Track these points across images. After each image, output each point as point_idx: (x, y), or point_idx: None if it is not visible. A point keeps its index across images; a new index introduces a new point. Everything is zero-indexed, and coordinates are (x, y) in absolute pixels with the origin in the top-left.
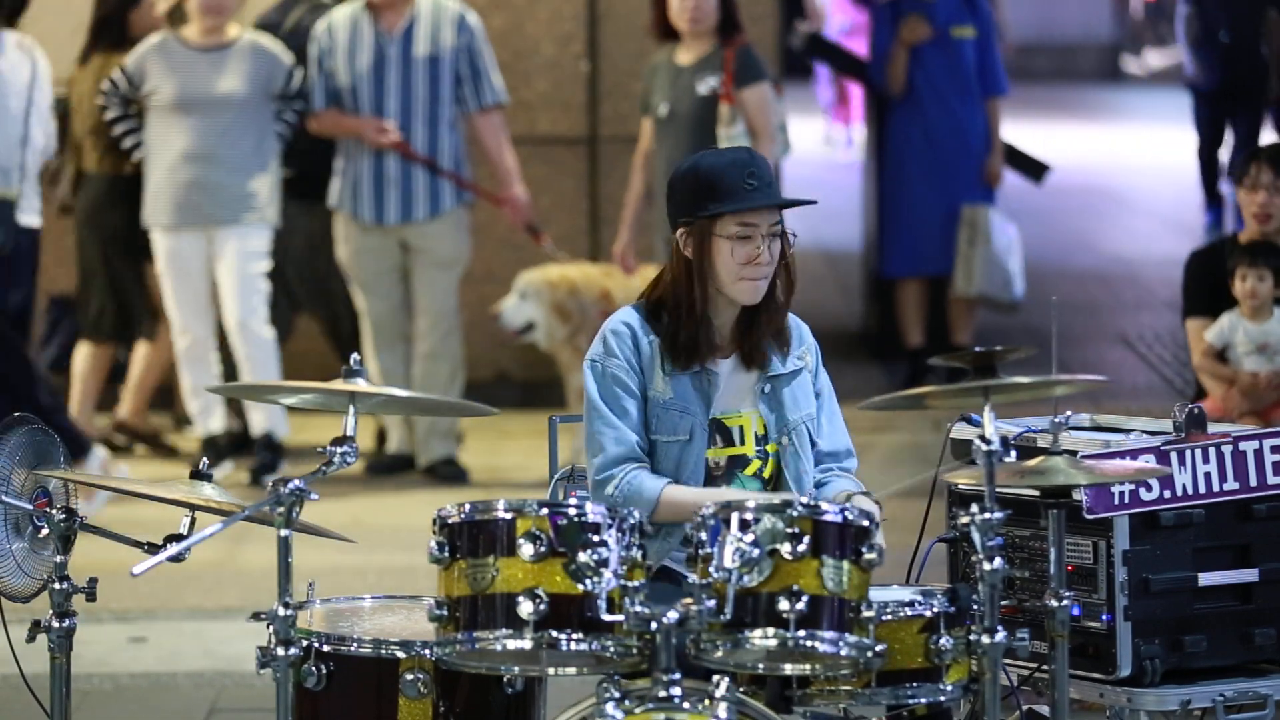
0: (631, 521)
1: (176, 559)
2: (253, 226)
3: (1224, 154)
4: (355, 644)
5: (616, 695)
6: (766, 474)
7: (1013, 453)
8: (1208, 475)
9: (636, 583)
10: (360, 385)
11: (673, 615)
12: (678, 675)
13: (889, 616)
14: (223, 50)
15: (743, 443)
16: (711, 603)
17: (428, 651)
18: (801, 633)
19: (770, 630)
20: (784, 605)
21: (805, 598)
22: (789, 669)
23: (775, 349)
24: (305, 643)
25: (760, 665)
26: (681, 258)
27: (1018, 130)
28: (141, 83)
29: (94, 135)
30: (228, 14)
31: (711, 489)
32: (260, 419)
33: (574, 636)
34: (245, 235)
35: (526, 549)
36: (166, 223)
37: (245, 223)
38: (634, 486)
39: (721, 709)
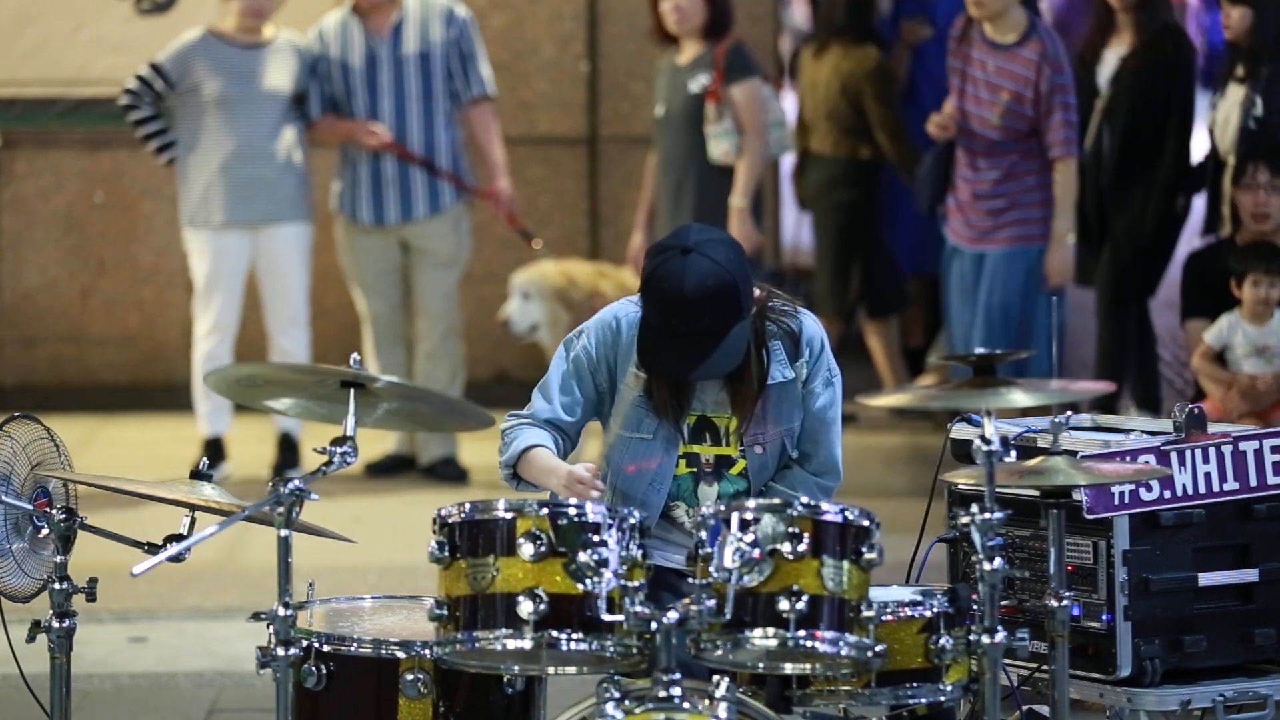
0: (632, 521)
1: (176, 559)
2: (303, 224)
3: None
4: (355, 644)
5: (616, 695)
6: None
7: (1013, 453)
8: (1208, 475)
9: (636, 583)
10: None
11: (673, 615)
12: (678, 675)
13: (889, 616)
14: (264, 48)
15: (727, 443)
16: (711, 603)
17: (428, 651)
18: (801, 633)
19: (770, 630)
20: (784, 605)
21: (805, 598)
22: (789, 669)
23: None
24: (305, 643)
25: (760, 665)
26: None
27: None
28: (180, 79)
29: (828, 120)
30: (266, 15)
31: (560, 462)
32: (282, 419)
33: (574, 636)
34: (298, 233)
35: (526, 549)
36: (216, 221)
37: (298, 220)
38: (514, 433)
39: (721, 709)
